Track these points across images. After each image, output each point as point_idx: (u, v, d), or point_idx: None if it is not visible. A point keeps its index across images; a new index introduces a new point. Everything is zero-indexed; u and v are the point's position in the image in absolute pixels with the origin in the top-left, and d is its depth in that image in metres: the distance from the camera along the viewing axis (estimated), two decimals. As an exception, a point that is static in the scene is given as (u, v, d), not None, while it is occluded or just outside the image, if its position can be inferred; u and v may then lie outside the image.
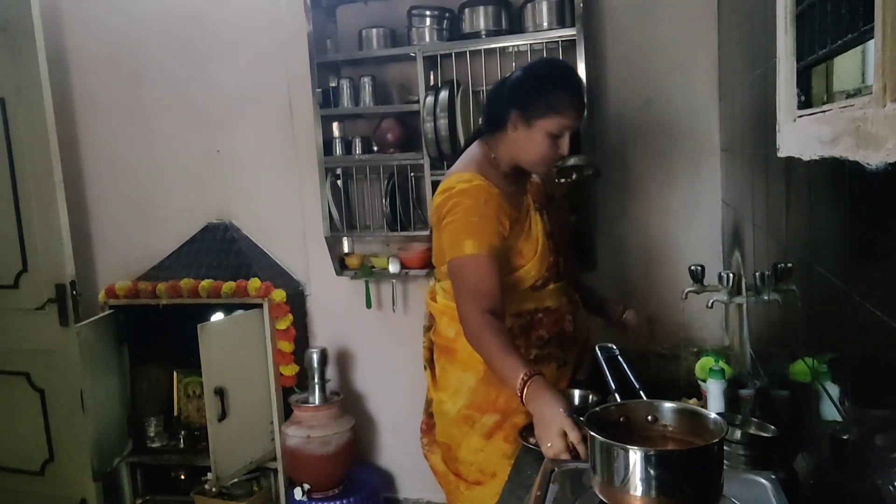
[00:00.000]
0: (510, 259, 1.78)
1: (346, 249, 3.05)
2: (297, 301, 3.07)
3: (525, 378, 1.54)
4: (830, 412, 1.08)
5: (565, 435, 1.42)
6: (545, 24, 2.57)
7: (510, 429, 1.79)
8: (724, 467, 1.11)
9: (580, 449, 1.40)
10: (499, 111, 1.80)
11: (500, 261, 1.73)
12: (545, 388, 1.53)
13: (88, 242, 3.38)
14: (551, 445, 1.43)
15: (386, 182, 2.84)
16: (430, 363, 1.96)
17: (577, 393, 1.82)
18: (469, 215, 1.71)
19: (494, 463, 1.82)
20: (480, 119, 2.27)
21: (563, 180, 2.33)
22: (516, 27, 2.65)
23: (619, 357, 1.64)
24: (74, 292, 2.94)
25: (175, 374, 3.25)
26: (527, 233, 1.79)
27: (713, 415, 1.17)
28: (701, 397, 1.73)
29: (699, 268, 1.79)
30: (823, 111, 0.98)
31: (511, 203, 1.78)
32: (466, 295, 1.70)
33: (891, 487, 0.82)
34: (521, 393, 1.54)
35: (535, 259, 1.78)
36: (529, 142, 1.75)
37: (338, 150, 2.91)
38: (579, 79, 1.88)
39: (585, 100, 1.82)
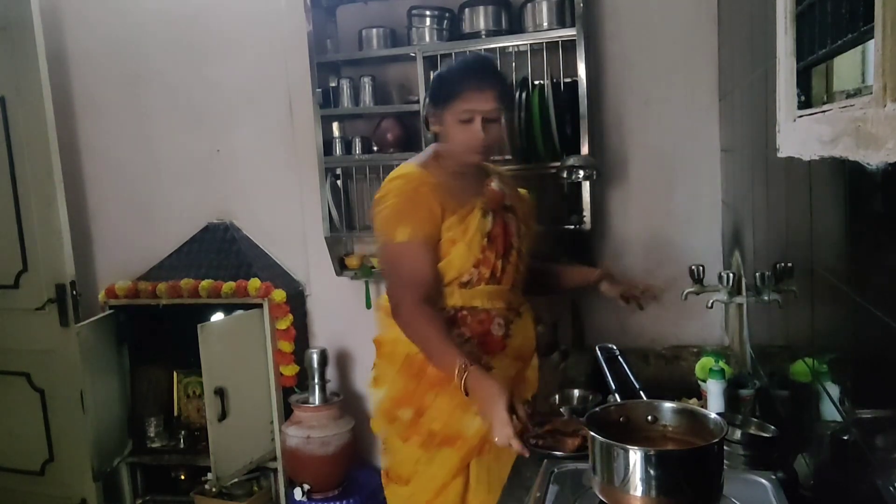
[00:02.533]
0: (442, 247, 1.78)
1: (346, 249, 3.05)
2: (297, 301, 3.07)
3: (463, 367, 1.54)
4: (830, 412, 1.08)
5: (509, 424, 1.44)
6: (545, 24, 2.56)
7: (426, 434, 1.79)
8: (724, 467, 1.11)
9: (514, 444, 1.43)
10: (424, 116, 1.88)
11: (434, 248, 1.76)
12: (483, 377, 1.54)
13: (88, 242, 3.38)
14: (498, 439, 1.45)
15: (386, 182, 2.83)
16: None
17: (576, 393, 1.82)
18: (399, 199, 1.74)
19: (408, 468, 1.84)
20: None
21: (571, 179, 2.33)
22: (516, 27, 2.65)
23: (619, 357, 1.65)
24: (74, 292, 2.94)
25: (175, 374, 3.24)
26: (464, 225, 1.78)
27: (713, 415, 1.17)
28: (701, 397, 1.74)
29: (699, 268, 1.79)
30: (823, 111, 0.98)
31: (453, 196, 1.78)
32: (401, 283, 1.74)
33: (891, 488, 0.82)
34: (461, 383, 1.54)
35: (462, 246, 1.77)
36: (447, 134, 1.79)
37: (338, 150, 2.91)
38: (484, 63, 1.88)
39: (495, 82, 1.78)
